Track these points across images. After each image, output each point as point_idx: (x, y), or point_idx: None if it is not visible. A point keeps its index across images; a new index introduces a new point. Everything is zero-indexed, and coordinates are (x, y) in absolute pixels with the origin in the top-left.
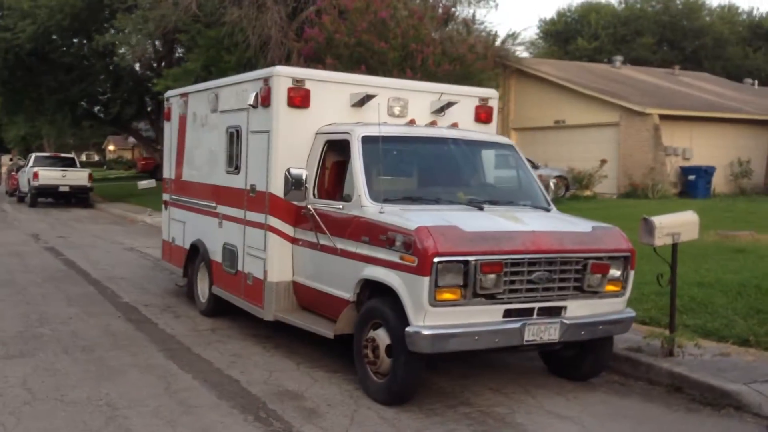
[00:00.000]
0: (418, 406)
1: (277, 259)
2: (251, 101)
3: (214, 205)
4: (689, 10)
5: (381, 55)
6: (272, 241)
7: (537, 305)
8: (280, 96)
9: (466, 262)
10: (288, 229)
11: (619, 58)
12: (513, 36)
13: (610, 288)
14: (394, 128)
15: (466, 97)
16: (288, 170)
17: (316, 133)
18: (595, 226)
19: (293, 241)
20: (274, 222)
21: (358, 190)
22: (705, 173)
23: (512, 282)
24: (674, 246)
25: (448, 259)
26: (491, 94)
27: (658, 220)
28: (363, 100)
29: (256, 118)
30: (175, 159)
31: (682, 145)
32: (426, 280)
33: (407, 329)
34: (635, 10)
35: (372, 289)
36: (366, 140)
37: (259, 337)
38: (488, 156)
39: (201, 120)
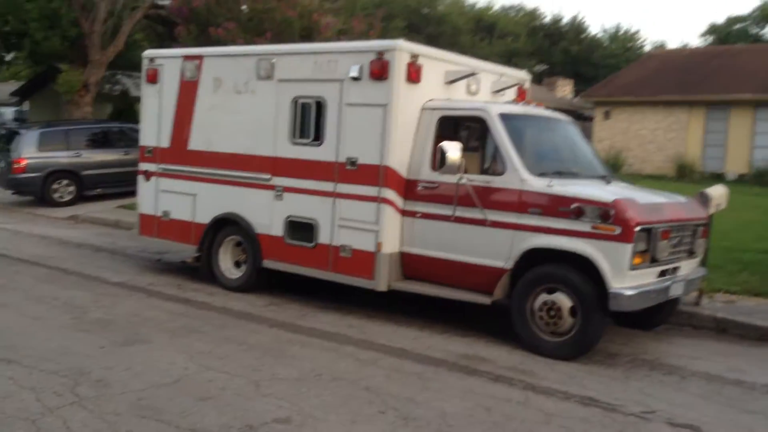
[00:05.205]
0: (600, 359)
1: (391, 231)
2: (354, 73)
3: (267, 176)
4: None
5: (286, 23)
6: (387, 213)
7: (672, 266)
8: (400, 70)
9: (650, 230)
10: (400, 202)
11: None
12: None
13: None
14: (518, 107)
15: (513, 79)
16: (442, 146)
17: (423, 108)
18: (684, 197)
19: (402, 213)
20: (390, 195)
21: (513, 165)
22: None
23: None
24: (712, 215)
25: (643, 228)
26: (527, 77)
27: (709, 193)
28: (460, 79)
29: (359, 91)
30: (172, 126)
31: None
32: (629, 246)
33: (612, 291)
34: None
35: (533, 257)
36: (503, 117)
37: (331, 309)
38: (573, 132)
39: (235, 87)
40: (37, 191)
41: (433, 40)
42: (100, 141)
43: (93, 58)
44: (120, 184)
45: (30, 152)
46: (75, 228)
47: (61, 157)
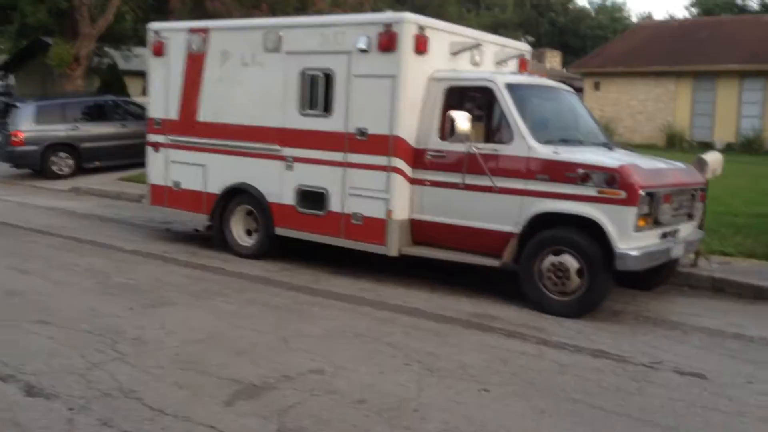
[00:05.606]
0: (606, 316)
1: (401, 199)
2: (362, 45)
3: (277, 147)
4: None
5: None
6: (397, 181)
7: (673, 228)
8: (407, 42)
9: (653, 194)
10: (409, 170)
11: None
12: None
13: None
14: (523, 77)
15: (515, 50)
16: (452, 116)
17: (431, 79)
18: (683, 163)
19: (412, 181)
20: (400, 164)
21: (520, 133)
22: None
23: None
24: (708, 180)
25: (647, 192)
26: (528, 48)
27: (706, 159)
28: (465, 50)
29: (367, 63)
30: (180, 98)
31: None
32: (634, 209)
33: (618, 251)
34: None
35: (540, 221)
36: (510, 87)
37: (343, 273)
38: (575, 101)
39: (242, 59)
40: (35, 164)
41: (418, 11)
42: (96, 114)
43: (83, 31)
44: (118, 157)
45: (27, 125)
46: (78, 200)
47: (59, 130)
